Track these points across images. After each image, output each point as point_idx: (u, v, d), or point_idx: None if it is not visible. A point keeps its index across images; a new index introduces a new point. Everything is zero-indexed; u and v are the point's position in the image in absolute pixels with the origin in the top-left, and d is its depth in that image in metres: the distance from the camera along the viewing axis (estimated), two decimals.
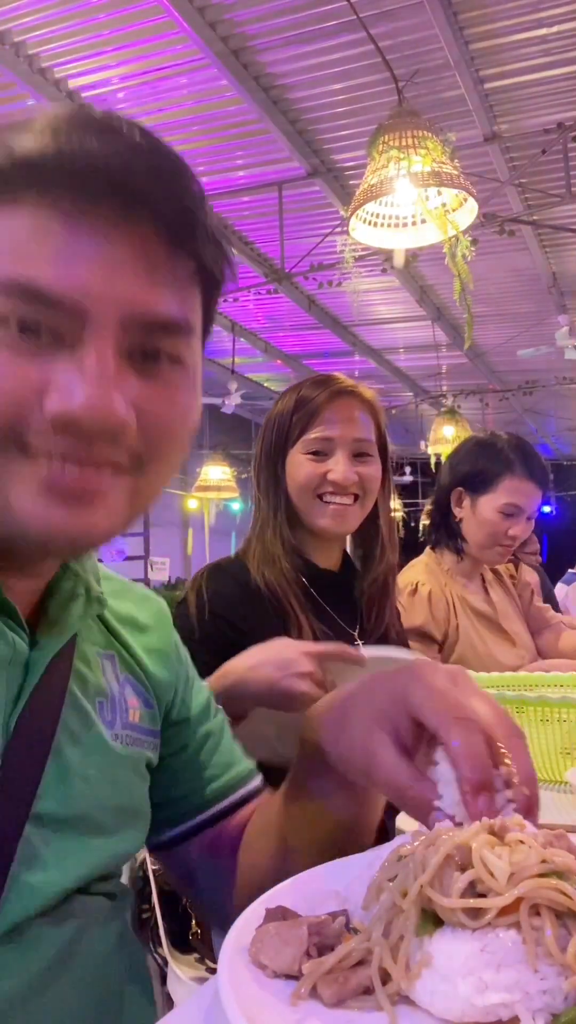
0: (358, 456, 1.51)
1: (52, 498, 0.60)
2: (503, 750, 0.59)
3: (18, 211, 0.58)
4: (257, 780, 0.93)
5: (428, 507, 2.36)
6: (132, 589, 0.90)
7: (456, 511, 2.22)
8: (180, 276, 0.63)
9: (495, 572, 2.37)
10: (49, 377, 0.58)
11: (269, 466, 1.55)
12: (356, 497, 1.51)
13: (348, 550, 1.68)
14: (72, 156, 0.58)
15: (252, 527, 1.58)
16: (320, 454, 1.49)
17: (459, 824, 0.57)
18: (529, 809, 0.58)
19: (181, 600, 1.47)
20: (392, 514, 1.67)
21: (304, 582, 1.50)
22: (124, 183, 0.59)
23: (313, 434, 1.49)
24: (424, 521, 2.36)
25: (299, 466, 1.50)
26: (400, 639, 1.68)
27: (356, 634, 1.54)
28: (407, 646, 1.74)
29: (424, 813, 0.59)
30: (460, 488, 2.21)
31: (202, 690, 0.93)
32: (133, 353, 0.62)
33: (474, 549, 2.20)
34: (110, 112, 0.63)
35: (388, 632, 1.61)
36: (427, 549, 2.32)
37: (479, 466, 2.18)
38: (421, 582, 2.15)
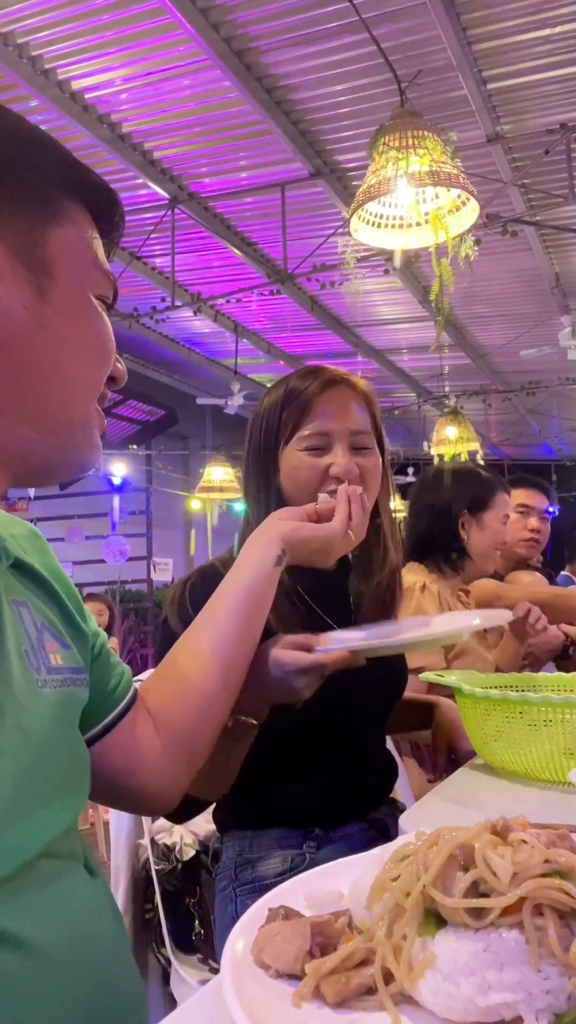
0: (357, 449, 1.38)
1: None
2: None
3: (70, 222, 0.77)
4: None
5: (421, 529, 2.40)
6: (10, 518, 0.90)
7: (462, 534, 2.32)
8: None
9: (464, 593, 2.42)
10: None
11: (259, 466, 1.43)
12: None
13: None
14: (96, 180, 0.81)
15: (241, 534, 1.43)
16: (318, 449, 1.36)
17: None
18: None
19: (165, 618, 1.36)
20: (393, 513, 1.57)
21: (297, 588, 1.37)
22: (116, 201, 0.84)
23: (308, 429, 1.36)
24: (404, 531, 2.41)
25: (296, 464, 1.37)
26: None
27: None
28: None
29: None
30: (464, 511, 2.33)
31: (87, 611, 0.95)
32: None
33: (478, 559, 2.33)
34: None
35: None
36: (412, 562, 2.32)
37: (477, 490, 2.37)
38: (430, 581, 2.23)
